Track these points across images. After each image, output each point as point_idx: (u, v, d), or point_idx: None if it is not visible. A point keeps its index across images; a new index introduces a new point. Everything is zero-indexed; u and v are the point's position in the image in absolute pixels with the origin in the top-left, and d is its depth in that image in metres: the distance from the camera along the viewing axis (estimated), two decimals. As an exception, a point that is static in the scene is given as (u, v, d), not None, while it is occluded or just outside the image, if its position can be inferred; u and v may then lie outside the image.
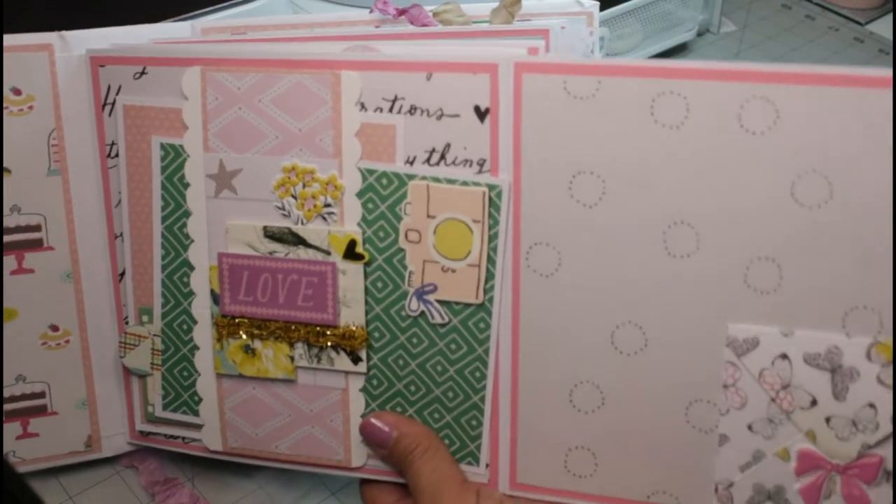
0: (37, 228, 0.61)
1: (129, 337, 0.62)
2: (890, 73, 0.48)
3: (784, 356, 0.52)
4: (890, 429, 0.51)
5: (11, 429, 0.63)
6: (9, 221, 0.60)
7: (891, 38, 1.11)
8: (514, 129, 0.53)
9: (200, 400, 0.62)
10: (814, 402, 0.52)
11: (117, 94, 0.59)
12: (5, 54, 0.58)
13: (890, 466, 0.51)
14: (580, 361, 0.56)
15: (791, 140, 0.50)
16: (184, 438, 0.63)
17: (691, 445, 0.55)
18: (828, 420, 0.52)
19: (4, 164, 0.59)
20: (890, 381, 0.50)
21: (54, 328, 0.62)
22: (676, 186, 0.52)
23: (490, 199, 0.54)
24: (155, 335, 0.62)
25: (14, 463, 0.63)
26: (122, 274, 0.62)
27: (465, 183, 0.54)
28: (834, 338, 0.51)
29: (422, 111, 0.54)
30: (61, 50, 0.59)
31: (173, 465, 0.67)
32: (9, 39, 0.58)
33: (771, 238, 0.51)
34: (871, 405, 0.51)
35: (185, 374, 0.62)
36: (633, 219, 0.53)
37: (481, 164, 0.54)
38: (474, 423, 0.58)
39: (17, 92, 0.58)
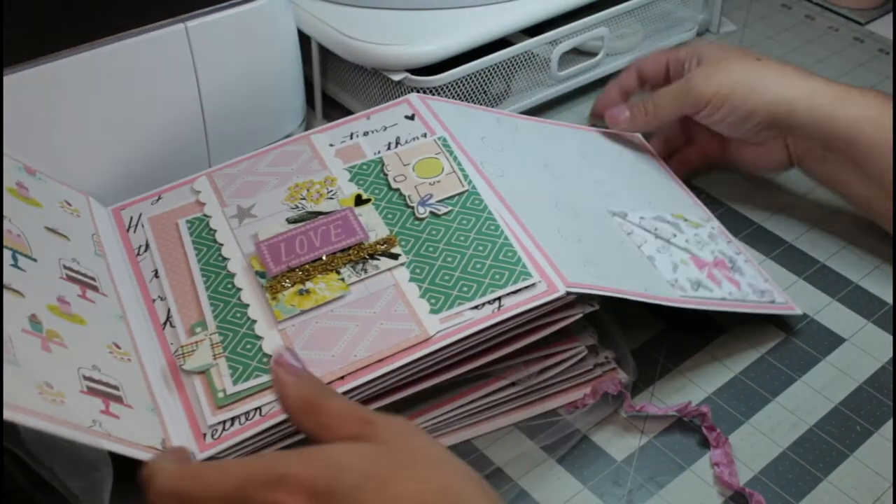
0: (92, 278, 0.67)
1: (186, 347, 0.63)
2: None
3: (642, 217, 0.77)
4: (715, 246, 0.77)
5: (93, 404, 0.58)
6: (70, 265, 0.66)
7: (891, 38, 1.09)
8: (435, 118, 0.78)
9: (270, 357, 0.62)
10: (673, 234, 0.77)
11: (140, 217, 0.73)
12: (58, 184, 0.72)
13: (730, 264, 0.76)
14: (549, 216, 0.72)
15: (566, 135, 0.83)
16: (260, 410, 0.60)
17: (642, 261, 0.73)
18: (687, 241, 0.77)
19: (63, 233, 0.68)
20: (693, 225, 0.79)
21: (117, 346, 0.63)
22: (531, 150, 0.81)
23: (442, 142, 0.75)
24: (212, 334, 0.64)
25: (99, 433, 0.55)
26: (164, 323, 0.66)
27: (419, 142, 0.75)
28: (653, 212, 0.79)
29: (372, 132, 0.77)
30: (93, 200, 0.74)
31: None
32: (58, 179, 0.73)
33: (590, 172, 0.81)
34: (696, 234, 0.78)
35: (249, 345, 0.63)
36: (524, 158, 0.78)
37: (424, 135, 0.76)
38: (510, 254, 0.66)
39: (68, 203, 0.72)
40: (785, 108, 0.78)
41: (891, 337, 0.77)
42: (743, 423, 0.70)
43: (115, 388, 0.60)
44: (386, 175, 0.73)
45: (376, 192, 0.72)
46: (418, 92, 0.83)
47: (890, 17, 1.12)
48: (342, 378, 0.61)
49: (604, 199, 0.78)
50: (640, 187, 0.83)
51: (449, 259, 0.67)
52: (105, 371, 0.60)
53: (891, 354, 0.75)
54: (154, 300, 0.68)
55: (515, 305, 0.64)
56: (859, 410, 0.71)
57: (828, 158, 0.79)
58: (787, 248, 0.84)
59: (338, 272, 0.67)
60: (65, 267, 0.66)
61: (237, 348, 0.64)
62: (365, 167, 0.74)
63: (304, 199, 0.72)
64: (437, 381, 0.64)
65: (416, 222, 0.70)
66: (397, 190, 0.72)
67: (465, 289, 0.65)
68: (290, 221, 0.71)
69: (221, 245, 0.70)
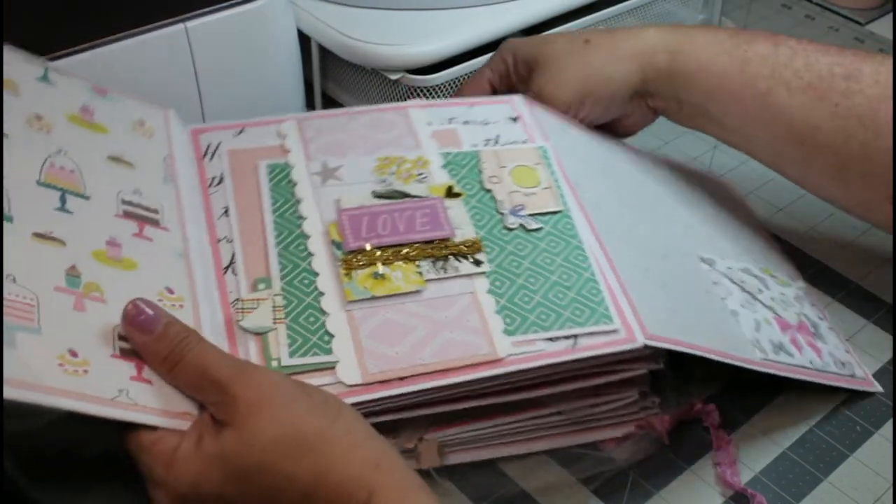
0: (155, 211, 0.62)
1: (247, 302, 0.60)
2: None
3: (730, 267, 0.74)
4: (800, 308, 0.74)
5: (126, 368, 0.53)
6: (131, 198, 0.61)
7: (891, 38, 1.08)
8: (538, 126, 0.74)
9: (332, 337, 0.59)
10: (759, 290, 0.73)
11: (218, 146, 0.69)
12: (134, 101, 0.68)
13: (813, 329, 0.73)
14: (640, 256, 0.69)
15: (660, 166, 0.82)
16: (313, 390, 0.57)
17: (726, 317, 0.69)
18: (773, 299, 0.72)
19: (129, 160, 0.64)
20: (780, 283, 0.75)
21: (170, 290, 0.58)
22: (636, 175, 0.78)
23: (541, 153, 0.71)
24: (276, 295, 0.60)
25: (125, 404, 0.52)
26: (227, 267, 0.62)
27: (520, 147, 0.71)
28: (742, 263, 0.75)
29: (472, 123, 0.73)
30: (174, 115, 0.69)
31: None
32: (138, 97, 0.68)
33: (687, 210, 0.78)
34: (783, 293, 0.74)
35: (312, 319, 0.59)
36: (621, 185, 0.75)
37: (524, 141, 0.72)
38: (594, 291, 0.63)
39: (142, 123, 0.66)
40: (635, 82, 0.76)
41: (891, 337, 0.76)
42: (743, 423, 0.69)
43: None
44: (480, 172, 0.69)
45: (468, 187, 0.69)
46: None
47: (890, 17, 1.11)
48: (402, 379, 0.58)
49: (694, 242, 0.75)
50: (731, 236, 0.79)
51: (531, 280, 0.64)
52: None
53: (891, 354, 0.75)
54: (220, 240, 0.64)
55: (591, 347, 0.61)
56: (859, 410, 0.70)
57: (684, 111, 0.78)
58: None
59: (417, 264, 0.63)
60: (123, 201, 0.61)
61: (300, 318, 0.60)
62: (460, 157, 0.71)
63: (393, 174, 0.69)
64: (492, 402, 0.62)
65: (504, 232, 0.66)
66: (489, 191, 0.68)
67: (544, 316, 0.62)
68: (376, 195, 0.67)
69: (300, 201, 0.66)
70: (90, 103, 0.65)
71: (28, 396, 0.49)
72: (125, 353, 0.54)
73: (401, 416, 0.60)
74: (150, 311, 0.55)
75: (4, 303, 0.51)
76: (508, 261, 0.64)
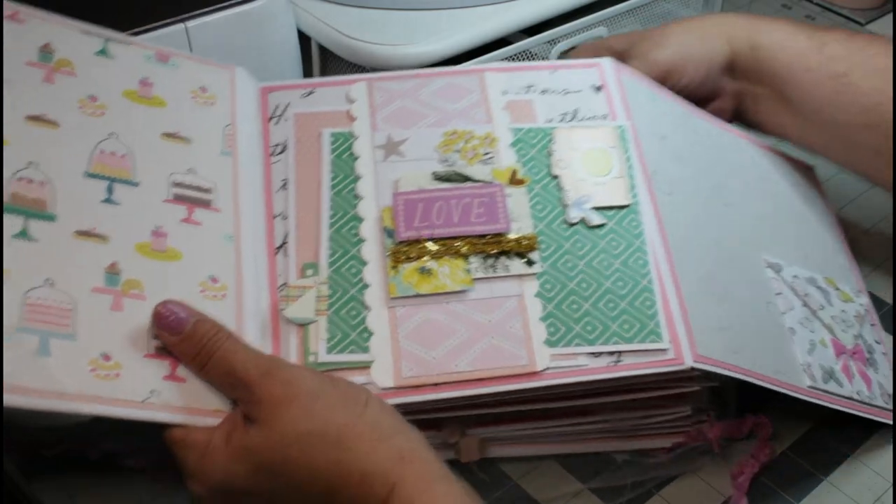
0: (208, 191, 0.62)
1: (292, 290, 0.60)
2: None
3: (796, 276, 0.70)
4: (859, 329, 0.71)
5: (157, 367, 0.55)
6: (184, 179, 0.61)
7: (891, 38, 1.10)
8: (622, 98, 0.69)
9: (371, 335, 0.59)
10: (822, 306, 0.70)
11: (286, 108, 0.68)
12: (197, 63, 0.67)
13: (868, 354, 0.70)
14: (704, 259, 0.65)
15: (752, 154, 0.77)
16: (347, 388, 0.58)
17: (781, 335, 0.66)
18: (833, 317, 0.70)
19: (185, 136, 0.63)
20: (843, 298, 0.72)
21: (214, 279, 0.59)
22: (712, 159, 0.73)
23: (619, 134, 0.67)
24: (321, 283, 0.60)
25: (156, 405, 0.54)
26: (279, 247, 0.62)
27: (597, 126, 0.68)
28: (807, 271, 0.72)
29: (551, 91, 0.69)
30: (240, 74, 0.68)
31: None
32: (200, 59, 0.68)
33: (764, 204, 0.74)
34: (843, 311, 0.71)
35: (354, 312, 0.59)
36: (699, 174, 0.71)
37: (604, 117, 0.68)
38: (648, 304, 0.60)
39: (203, 90, 0.66)
40: (726, 53, 0.76)
41: (891, 337, 0.75)
42: None
43: None
44: (550, 155, 0.66)
45: (534, 170, 0.66)
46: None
47: (890, 17, 1.11)
48: (436, 385, 0.58)
49: (764, 241, 0.71)
50: (802, 233, 0.75)
51: (584, 285, 0.61)
52: None
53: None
54: (275, 216, 0.64)
55: (635, 366, 0.59)
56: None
57: (760, 97, 0.77)
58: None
59: (467, 260, 0.62)
60: (175, 183, 0.61)
61: (341, 311, 0.60)
62: (531, 135, 0.67)
63: (458, 151, 0.66)
64: (529, 408, 0.61)
65: (564, 226, 0.63)
66: (556, 178, 0.65)
67: (590, 328, 0.60)
68: (436, 177, 0.65)
69: (359, 178, 0.64)
70: (150, 74, 0.64)
71: (55, 406, 0.51)
72: (160, 352, 0.55)
73: (436, 416, 0.60)
74: (179, 313, 0.56)
75: (40, 310, 0.53)
76: (563, 260, 0.62)
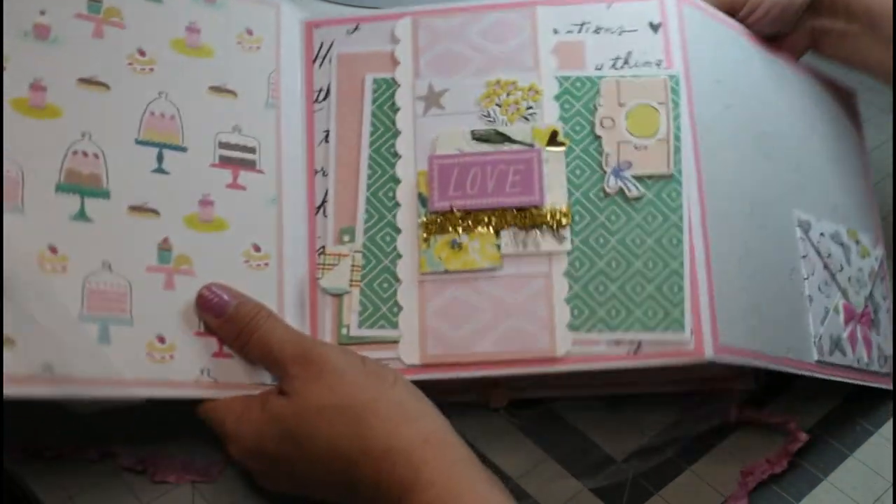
0: (252, 150, 0.63)
1: (329, 257, 0.63)
2: None
3: (822, 234, 0.69)
4: (870, 287, 0.71)
5: (207, 344, 0.59)
6: (229, 138, 0.63)
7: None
8: (681, 37, 0.65)
9: (400, 309, 0.61)
10: (841, 267, 0.69)
11: (330, 47, 0.67)
12: (243, 2, 0.66)
13: (874, 316, 0.71)
14: (741, 230, 0.64)
15: (806, 85, 0.74)
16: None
17: (797, 305, 0.66)
18: (849, 279, 0.69)
19: (231, 88, 0.64)
20: (862, 254, 0.71)
21: (256, 248, 0.62)
22: (762, 104, 0.69)
23: (671, 85, 0.64)
24: (356, 251, 0.63)
25: (206, 384, 0.59)
26: (320, 206, 0.65)
27: (648, 76, 0.64)
28: (833, 225, 0.71)
29: (605, 30, 0.66)
30: (286, 10, 0.67)
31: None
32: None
33: (801, 149, 0.70)
34: (860, 269, 0.71)
35: (386, 285, 0.62)
36: (745, 122, 0.68)
37: (658, 63, 0.65)
38: (676, 289, 0.61)
39: (249, 32, 0.65)
40: None
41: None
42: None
43: None
44: (595, 109, 0.64)
45: (577, 129, 0.63)
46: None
47: None
48: (454, 365, 0.61)
49: (798, 194, 0.69)
50: (835, 178, 0.73)
51: (614, 264, 0.61)
52: None
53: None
54: (317, 172, 0.65)
55: (654, 355, 0.60)
56: (859, 410, 0.70)
57: (848, 33, 0.73)
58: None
59: (498, 234, 0.62)
60: (221, 143, 0.62)
61: (374, 282, 0.62)
62: (578, 84, 0.64)
63: (499, 105, 0.64)
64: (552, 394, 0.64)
65: (601, 196, 0.62)
66: (599, 138, 0.63)
67: (614, 312, 0.60)
68: (474, 136, 0.64)
69: (399, 134, 0.64)
70: (197, 18, 0.63)
71: (112, 393, 0.56)
72: (209, 330, 0.59)
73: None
74: (223, 295, 0.59)
75: (101, 296, 0.56)
76: (595, 236, 0.62)
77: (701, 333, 0.60)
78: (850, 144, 0.76)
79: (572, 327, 0.61)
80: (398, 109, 0.65)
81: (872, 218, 0.75)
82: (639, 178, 0.63)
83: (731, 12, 0.71)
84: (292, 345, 0.58)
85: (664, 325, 0.60)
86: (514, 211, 0.62)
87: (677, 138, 0.63)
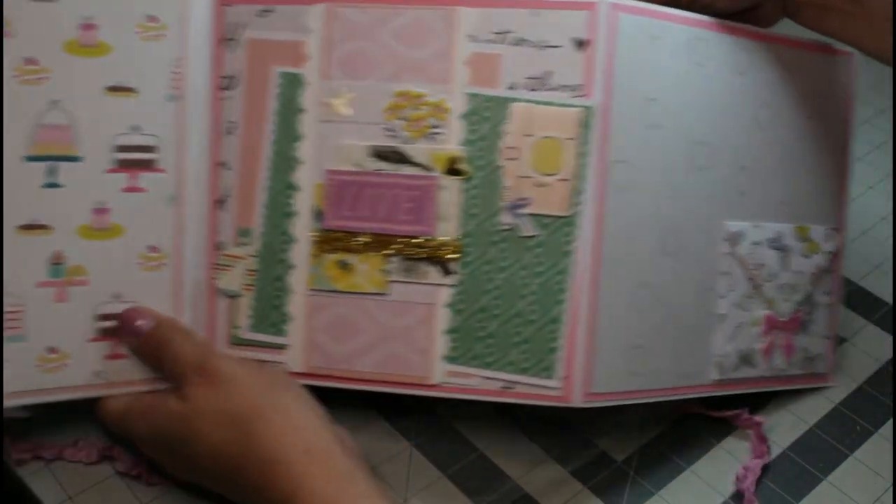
0: (152, 150, 0.62)
1: (225, 258, 0.64)
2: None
3: (756, 242, 0.67)
4: (809, 288, 0.70)
5: (100, 348, 0.62)
6: (128, 140, 0.62)
7: None
8: (607, 60, 0.60)
9: (288, 319, 0.63)
10: (773, 276, 0.68)
11: (240, 30, 0.64)
12: None
13: (806, 317, 0.70)
14: (640, 266, 0.62)
15: (757, 80, 0.66)
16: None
17: (702, 328, 0.66)
18: (780, 288, 0.68)
19: (131, 86, 0.62)
20: (807, 252, 0.70)
21: (153, 249, 0.63)
22: (700, 113, 0.64)
23: (583, 119, 0.60)
24: (251, 255, 0.64)
25: (99, 385, 0.62)
26: (221, 202, 0.65)
27: (562, 105, 0.60)
28: (777, 226, 0.68)
29: (526, 42, 0.61)
30: (195, -13, 0.64)
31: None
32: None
33: (745, 153, 0.66)
34: (800, 272, 0.69)
35: (277, 293, 0.63)
36: (678, 139, 0.63)
37: (577, 89, 0.60)
38: (552, 336, 0.61)
39: (152, 19, 0.62)
40: None
41: (891, 337, 0.76)
42: None
43: None
44: (502, 136, 0.60)
45: (480, 154, 0.61)
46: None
47: None
48: (335, 377, 0.63)
49: (735, 201, 0.67)
50: (788, 173, 0.69)
51: (497, 302, 0.61)
52: (127, 296, 0.62)
53: (891, 354, 0.75)
54: (220, 164, 0.64)
55: (525, 395, 0.61)
56: (859, 410, 0.71)
57: (828, 6, 0.68)
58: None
59: (387, 259, 0.61)
60: (118, 147, 0.61)
61: (266, 288, 0.63)
62: (488, 105, 0.61)
63: (404, 119, 0.61)
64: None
65: (495, 229, 0.61)
66: (500, 168, 0.60)
67: (489, 351, 0.61)
68: (374, 152, 0.61)
69: (301, 138, 0.62)
70: (93, 13, 0.60)
71: (11, 403, 0.60)
72: (104, 333, 0.62)
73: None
74: (137, 320, 0.62)
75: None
76: (483, 271, 0.61)
77: (572, 381, 0.61)
78: (824, 124, 0.71)
79: (448, 359, 0.62)
80: (303, 111, 0.62)
81: (834, 205, 0.72)
82: (535, 217, 0.61)
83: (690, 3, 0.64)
84: (194, 356, 0.60)
85: (535, 371, 0.61)
86: (406, 239, 0.61)
87: (581, 178, 0.60)
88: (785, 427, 0.69)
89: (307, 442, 0.57)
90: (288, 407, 0.59)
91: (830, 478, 0.66)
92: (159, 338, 0.62)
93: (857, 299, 0.79)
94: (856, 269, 0.81)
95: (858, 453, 0.68)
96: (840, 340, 0.75)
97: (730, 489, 0.65)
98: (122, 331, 0.62)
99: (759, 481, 0.65)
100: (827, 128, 0.71)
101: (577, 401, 0.60)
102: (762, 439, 0.67)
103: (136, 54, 0.62)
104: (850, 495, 0.65)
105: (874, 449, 0.68)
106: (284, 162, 0.63)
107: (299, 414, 0.59)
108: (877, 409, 0.71)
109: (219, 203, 0.64)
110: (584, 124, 0.60)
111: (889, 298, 0.79)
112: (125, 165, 0.62)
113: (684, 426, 0.69)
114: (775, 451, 0.68)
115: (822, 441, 0.68)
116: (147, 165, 0.63)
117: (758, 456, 0.67)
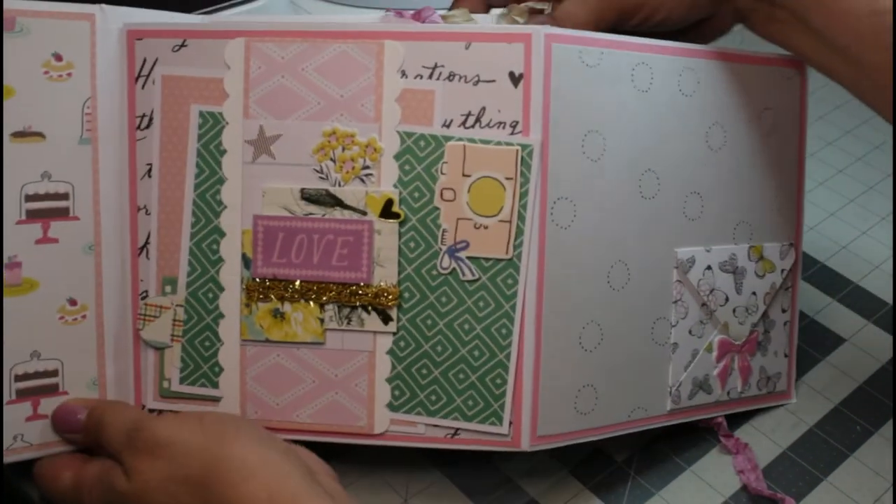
0: (65, 197, 0.59)
1: (150, 308, 0.61)
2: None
3: (709, 267, 0.66)
4: (765, 308, 0.68)
5: (21, 410, 0.59)
6: (38, 188, 0.58)
7: None
8: (544, 94, 0.57)
9: (221, 370, 0.60)
10: (727, 299, 0.66)
11: (153, 66, 0.59)
12: (50, 20, 0.57)
13: (762, 337, 0.69)
14: (587, 303, 0.60)
15: (706, 100, 0.64)
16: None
17: (655, 359, 0.64)
18: (734, 311, 0.67)
19: (38, 130, 0.58)
20: (761, 272, 0.68)
21: (72, 302, 0.60)
22: (646, 140, 0.61)
23: (522, 157, 0.57)
24: (178, 305, 0.60)
25: (20, 448, 0.59)
26: (142, 248, 0.61)
27: (499, 143, 0.57)
28: (731, 248, 0.67)
29: (460, 77, 0.57)
30: (102, 21, 0.58)
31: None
32: (53, 6, 0.58)
33: (696, 176, 0.64)
34: (754, 293, 0.68)
35: (207, 344, 0.60)
36: (622, 170, 0.61)
37: (514, 125, 0.57)
38: (499, 381, 0.58)
39: (58, 58, 0.58)
40: None
41: (891, 337, 0.76)
42: (743, 423, 0.70)
43: (54, 373, 0.59)
44: (438, 176, 0.57)
45: (416, 195, 0.58)
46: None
47: None
48: (274, 429, 0.60)
49: (684, 228, 0.64)
50: (742, 193, 0.67)
51: (440, 348, 0.58)
52: (46, 353, 0.59)
53: (891, 354, 0.75)
54: (140, 209, 0.60)
55: (472, 441, 0.59)
56: (859, 410, 0.71)
57: (775, 18, 0.67)
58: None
59: (322, 307, 0.59)
60: (28, 196, 0.57)
61: (195, 340, 0.60)
62: (422, 143, 0.57)
63: (333, 160, 0.58)
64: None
65: (434, 273, 0.58)
66: (437, 210, 0.58)
67: (434, 398, 0.59)
68: (304, 196, 0.58)
69: (225, 181, 0.59)
70: None
71: None
72: (21, 395, 0.59)
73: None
74: (71, 415, 0.59)
75: None
76: (424, 316, 0.58)
77: (520, 426, 0.59)
78: (776, 138, 0.69)
79: (392, 407, 0.59)
80: (225, 152, 0.59)
81: (789, 220, 0.70)
82: (475, 260, 0.58)
83: (625, 22, 0.61)
84: (126, 426, 0.57)
85: (482, 418, 0.59)
86: (340, 286, 0.58)
87: (521, 219, 0.57)
88: (785, 427, 0.69)
89: (269, 487, 0.52)
90: (239, 454, 0.54)
91: (830, 478, 0.66)
92: (93, 424, 0.59)
93: (857, 299, 0.79)
94: (856, 270, 0.81)
95: (858, 453, 0.68)
96: (839, 340, 0.75)
97: (730, 489, 0.65)
98: (58, 431, 0.60)
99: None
100: (780, 141, 0.69)
101: (526, 445, 0.59)
102: (728, 436, 0.67)
103: (42, 96, 0.58)
104: (850, 495, 0.65)
105: (874, 449, 0.68)
106: (208, 205, 0.59)
107: (255, 457, 0.54)
108: (877, 409, 0.70)
109: (141, 250, 0.61)
110: (523, 163, 0.57)
111: (889, 298, 0.78)
112: (36, 216, 0.58)
113: (684, 426, 0.68)
114: (775, 451, 0.68)
115: (821, 441, 0.68)
116: (61, 214, 0.59)
117: (739, 451, 0.67)
